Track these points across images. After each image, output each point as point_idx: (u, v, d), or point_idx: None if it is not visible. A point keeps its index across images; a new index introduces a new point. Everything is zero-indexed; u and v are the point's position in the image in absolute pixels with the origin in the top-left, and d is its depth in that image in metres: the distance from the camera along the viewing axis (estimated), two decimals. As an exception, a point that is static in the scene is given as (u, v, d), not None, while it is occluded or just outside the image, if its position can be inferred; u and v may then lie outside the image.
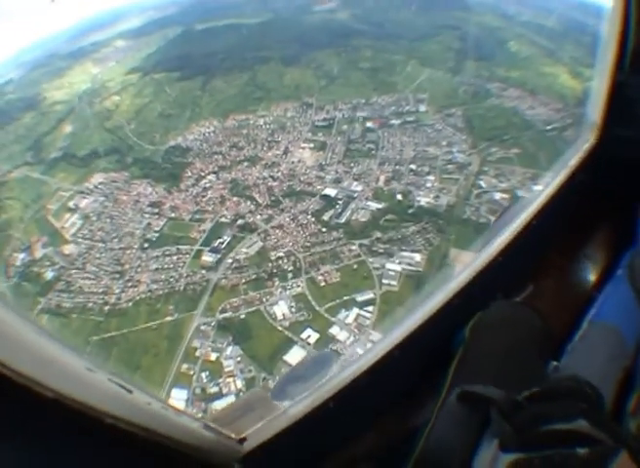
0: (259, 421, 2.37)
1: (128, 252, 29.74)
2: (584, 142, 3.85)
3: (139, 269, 28.63)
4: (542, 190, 3.63)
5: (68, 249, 30.03)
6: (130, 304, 26.99)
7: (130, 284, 27.91)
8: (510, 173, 30.67)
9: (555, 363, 2.45)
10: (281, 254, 28.18)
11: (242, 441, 2.25)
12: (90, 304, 27.10)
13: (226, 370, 23.63)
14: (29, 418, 1.19)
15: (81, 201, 33.21)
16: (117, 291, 27.56)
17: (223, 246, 29.20)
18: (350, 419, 2.86)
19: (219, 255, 28.65)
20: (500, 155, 32.06)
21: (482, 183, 30.54)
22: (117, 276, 28.38)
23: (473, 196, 29.89)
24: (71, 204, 33.03)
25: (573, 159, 3.77)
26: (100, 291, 27.64)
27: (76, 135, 39.20)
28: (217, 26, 49.61)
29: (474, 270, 3.07)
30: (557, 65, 38.40)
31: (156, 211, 31.96)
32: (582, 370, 2.35)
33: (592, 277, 3.59)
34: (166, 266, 28.62)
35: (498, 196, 29.45)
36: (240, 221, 30.51)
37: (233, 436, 2.22)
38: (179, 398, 22.46)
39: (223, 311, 25.95)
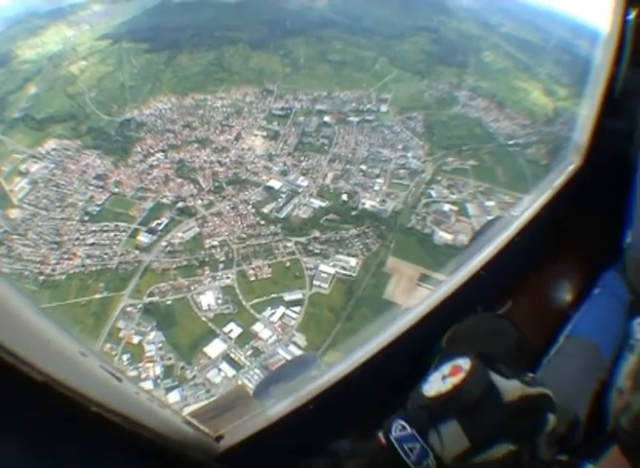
0: (237, 420, 2.37)
1: (68, 223, 29.31)
2: (569, 164, 3.96)
3: (76, 242, 28.30)
4: (526, 209, 3.70)
5: (14, 213, 29.57)
6: (63, 277, 26.75)
7: (65, 256, 27.61)
8: (463, 185, 30.37)
9: (531, 374, 2.20)
10: (215, 243, 27.92)
11: (219, 438, 2.23)
12: (26, 272, 26.77)
13: (147, 354, 23.66)
14: (13, 401, 1.15)
15: (32, 165, 32.57)
16: (53, 262, 27.30)
17: (160, 227, 28.83)
18: (329, 423, 2.75)
19: (154, 237, 28.35)
20: (455, 165, 31.77)
21: (432, 193, 30.20)
22: (55, 246, 28.05)
23: (421, 205, 29.52)
24: (23, 167, 32.36)
25: (557, 180, 3.86)
26: (38, 260, 27.33)
27: (39, 96, 38.31)
28: (193, 1, 48.44)
29: (457, 282, 3.11)
30: (531, 81, 38.12)
31: (101, 184, 31.45)
32: (558, 382, 2.29)
33: (569, 297, 3.71)
34: (102, 242, 28.30)
35: (446, 207, 29.21)
36: (180, 204, 30.07)
37: (210, 433, 2.19)
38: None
39: (151, 295, 25.76)
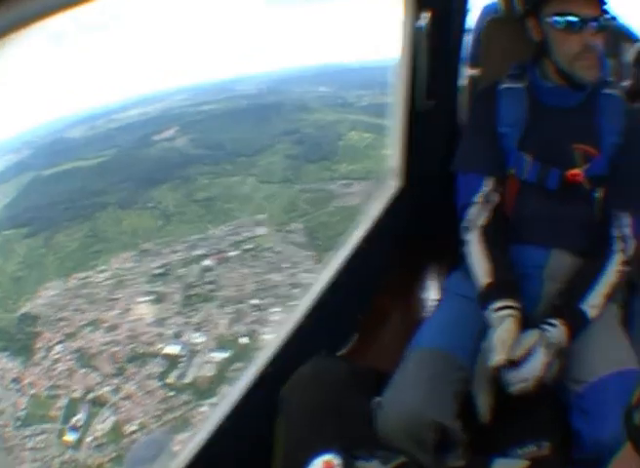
0: None
1: (7, 429, 28.06)
2: (388, 190, 4.13)
3: (19, 448, 27.05)
4: (344, 246, 3.82)
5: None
6: (21, 481, 25.97)
7: (17, 461, 26.35)
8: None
9: (378, 398, 2.53)
10: (135, 428, 26.83)
11: None
12: (-23, 485, 25.98)
13: None
14: None
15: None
16: (8, 468, 26.38)
17: (81, 424, 27.57)
18: None
19: (78, 434, 27.02)
20: (349, 261, 31.69)
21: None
22: (6, 453, 27.09)
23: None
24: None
25: (376, 209, 4.02)
26: (-4, 467, 26.39)
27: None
28: (59, 171, 47.65)
29: (283, 336, 3.20)
30: (400, 144, 38.78)
31: (18, 387, 29.90)
32: (411, 395, 2.43)
33: (417, 316, 3.89)
34: (38, 446, 26.58)
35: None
36: (91, 395, 29.13)
37: None
38: None
39: (95, 492, 25.03)
